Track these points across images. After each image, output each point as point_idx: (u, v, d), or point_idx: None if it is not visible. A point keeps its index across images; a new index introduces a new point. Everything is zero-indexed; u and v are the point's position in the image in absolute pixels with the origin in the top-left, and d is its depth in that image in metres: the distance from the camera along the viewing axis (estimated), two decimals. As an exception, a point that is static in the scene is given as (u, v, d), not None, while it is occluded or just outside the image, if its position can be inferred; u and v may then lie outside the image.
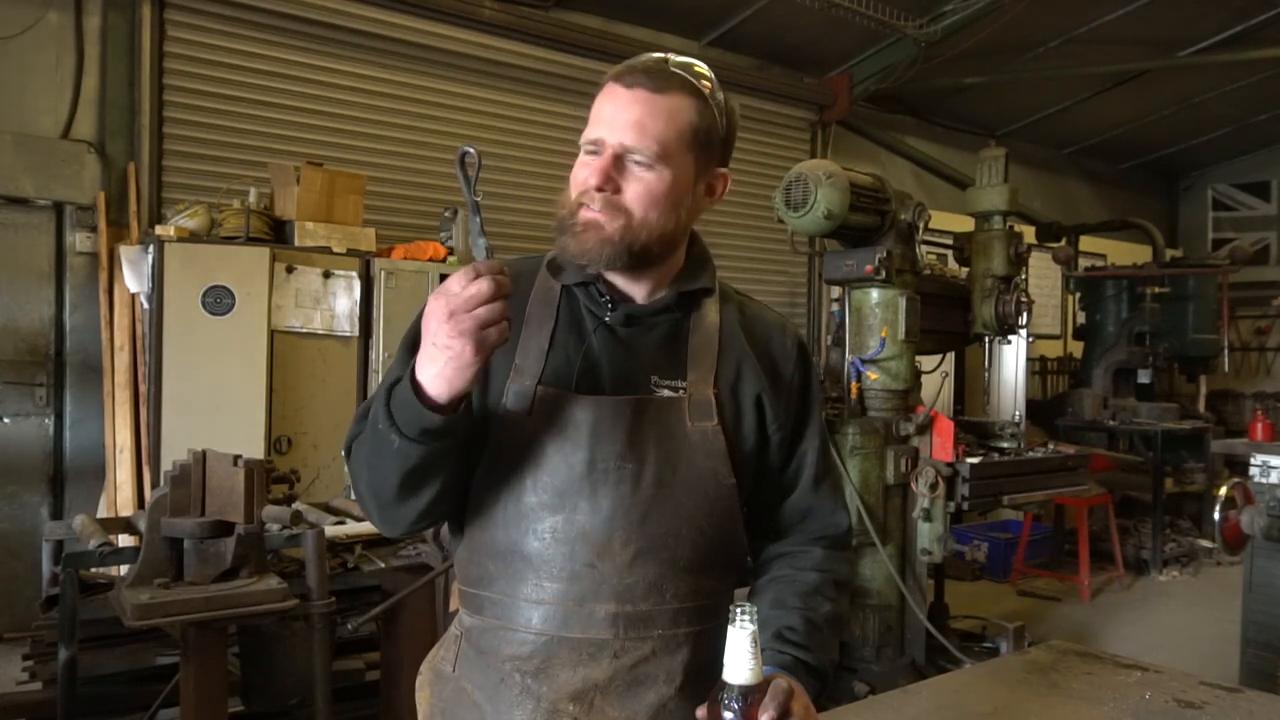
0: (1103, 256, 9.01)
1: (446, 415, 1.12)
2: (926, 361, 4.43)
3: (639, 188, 1.23)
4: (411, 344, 1.32)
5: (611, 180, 1.22)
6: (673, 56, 1.27)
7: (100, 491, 4.39)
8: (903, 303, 4.05)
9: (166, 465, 2.97)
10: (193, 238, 4.12)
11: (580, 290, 1.31)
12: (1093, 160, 9.54)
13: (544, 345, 1.27)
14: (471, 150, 1.14)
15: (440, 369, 1.10)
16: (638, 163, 1.22)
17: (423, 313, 1.35)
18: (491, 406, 1.25)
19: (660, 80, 1.23)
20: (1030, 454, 4.48)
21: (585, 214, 1.23)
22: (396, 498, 1.21)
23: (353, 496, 3.50)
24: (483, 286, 1.06)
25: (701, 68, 1.28)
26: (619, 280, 1.30)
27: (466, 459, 1.24)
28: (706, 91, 1.26)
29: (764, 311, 1.43)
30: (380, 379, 4.39)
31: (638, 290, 1.31)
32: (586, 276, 1.29)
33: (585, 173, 1.24)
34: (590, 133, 1.25)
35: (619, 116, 1.22)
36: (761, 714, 1.05)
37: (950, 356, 5.20)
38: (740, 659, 1.04)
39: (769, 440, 1.35)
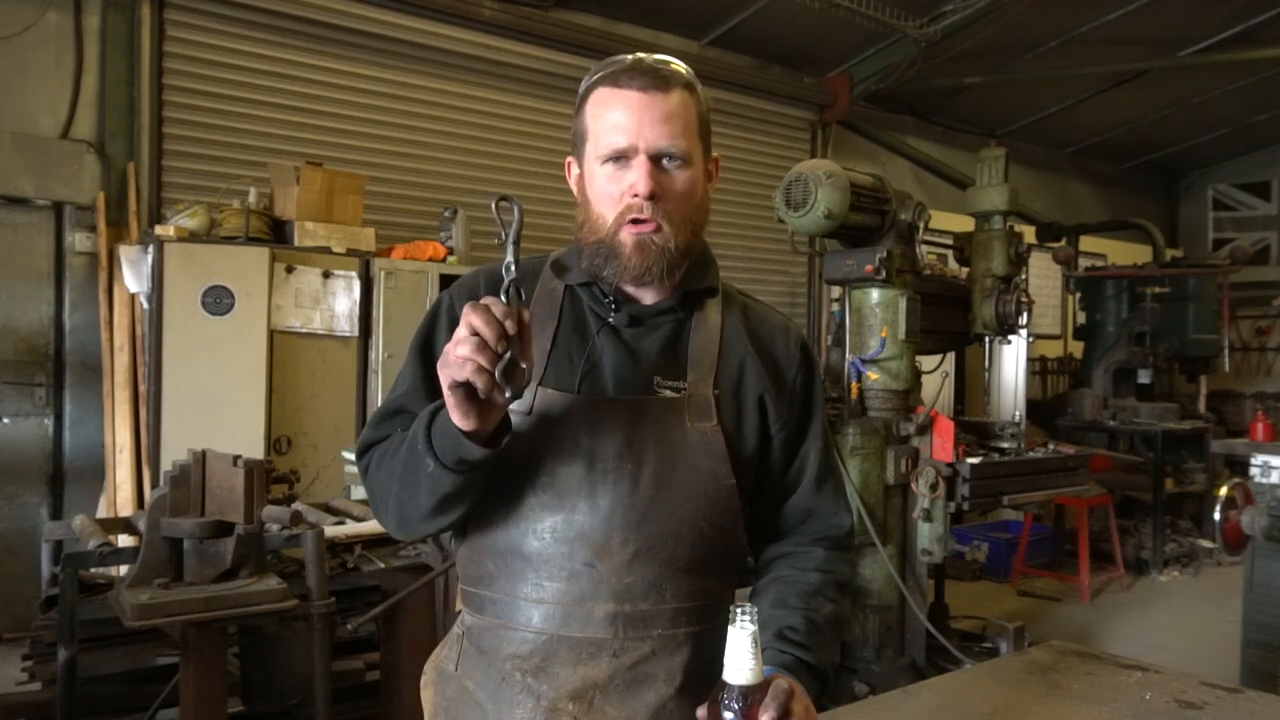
0: (1103, 256, 9.01)
1: (485, 449, 1.11)
2: (926, 361, 4.42)
3: (679, 188, 1.23)
4: (422, 346, 1.32)
5: (659, 185, 1.21)
6: (646, 56, 1.27)
7: (100, 491, 4.38)
8: (903, 303, 4.04)
9: (166, 465, 2.97)
10: (192, 238, 4.12)
11: (584, 291, 1.31)
12: (1093, 160, 9.54)
13: (546, 346, 1.27)
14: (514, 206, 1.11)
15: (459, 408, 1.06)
16: (674, 163, 1.22)
17: (431, 313, 1.34)
18: None
19: (661, 79, 1.23)
20: (1030, 454, 4.47)
21: (631, 233, 1.21)
22: (424, 518, 1.22)
23: (352, 496, 3.51)
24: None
25: (677, 63, 1.28)
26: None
27: None
28: (691, 81, 1.28)
29: (768, 313, 1.43)
30: (380, 379, 4.44)
31: (642, 291, 1.30)
32: (590, 277, 1.28)
33: (618, 186, 1.22)
34: (610, 142, 1.22)
35: (644, 119, 1.20)
36: (762, 714, 1.05)
37: (950, 356, 5.19)
38: (740, 659, 1.04)
39: (771, 441, 1.34)
